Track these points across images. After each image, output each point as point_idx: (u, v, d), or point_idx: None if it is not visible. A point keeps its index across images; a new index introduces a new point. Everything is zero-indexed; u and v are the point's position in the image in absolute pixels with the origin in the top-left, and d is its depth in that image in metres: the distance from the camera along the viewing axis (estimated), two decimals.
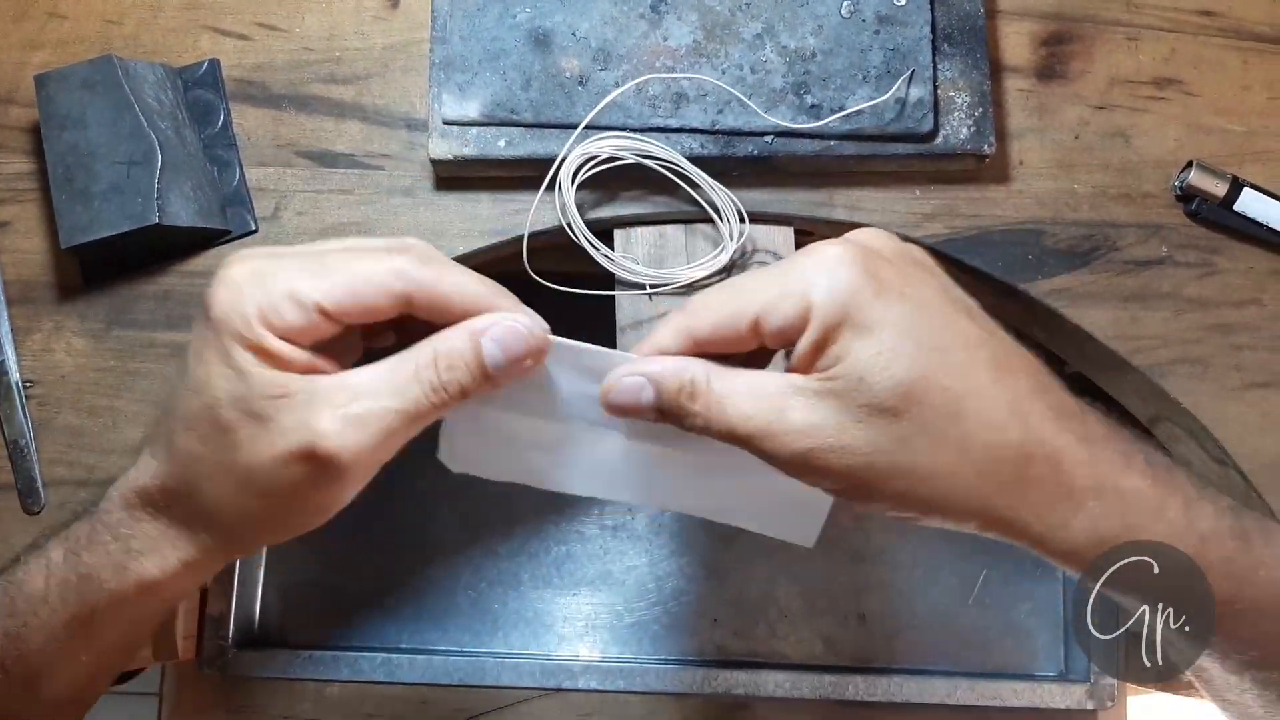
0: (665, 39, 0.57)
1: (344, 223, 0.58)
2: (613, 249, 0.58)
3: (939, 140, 0.56)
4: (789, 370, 0.40)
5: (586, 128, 0.55)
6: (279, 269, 0.40)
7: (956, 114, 0.57)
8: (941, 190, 0.58)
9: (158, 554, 0.43)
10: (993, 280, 0.58)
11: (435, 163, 0.57)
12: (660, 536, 0.87)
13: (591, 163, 0.56)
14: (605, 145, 0.55)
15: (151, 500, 0.43)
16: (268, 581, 0.86)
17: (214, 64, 0.60)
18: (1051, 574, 0.86)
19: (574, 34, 0.57)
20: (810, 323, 0.38)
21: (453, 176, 0.58)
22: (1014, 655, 0.86)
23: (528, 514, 0.87)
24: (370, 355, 0.42)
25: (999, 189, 0.59)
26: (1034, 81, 0.59)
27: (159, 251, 0.58)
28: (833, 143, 0.56)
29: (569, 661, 0.84)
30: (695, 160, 0.56)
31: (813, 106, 0.56)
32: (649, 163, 0.56)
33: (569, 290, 0.55)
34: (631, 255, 0.58)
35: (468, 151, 0.56)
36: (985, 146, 0.56)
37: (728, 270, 0.57)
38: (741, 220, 0.56)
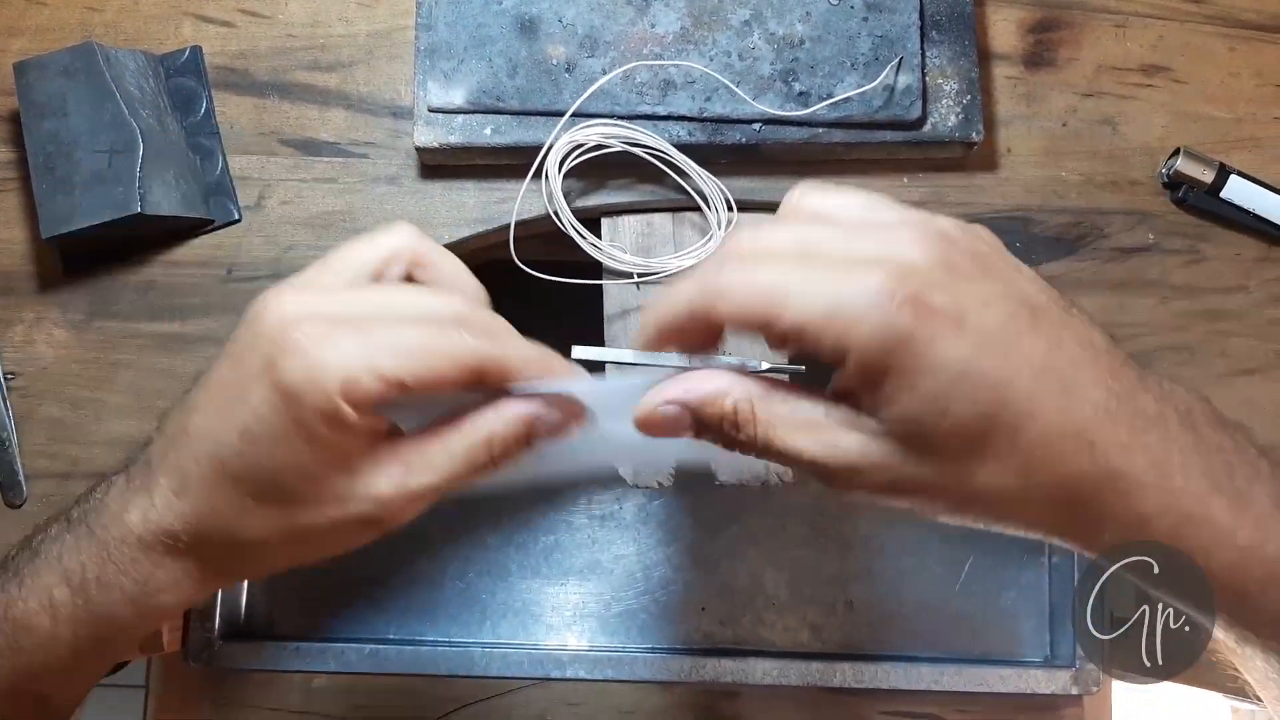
0: (653, 26, 0.56)
1: (328, 211, 0.58)
2: (600, 237, 0.58)
3: (927, 128, 0.56)
4: (835, 391, 0.38)
5: (573, 115, 0.55)
6: (352, 332, 0.39)
7: (945, 101, 0.56)
8: (930, 178, 0.58)
9: (177, 589, 0.42)
10: None
11: (420, 151, 0.56)
12: (648, 526, 0.87)
13: (578, 150, 0.55)
14: (592, 133, 0.55)
15: (176, 544, 0.42)
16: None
17: (196, 51, 0.59)
18: (1037, 561, 0.87)
19: (560, 21, 0.56)
20: (848, 363, 0.35)
21: (438, 165, 0.58)
22: (1000, 641, 0.86)
23: (516, 504, 0.87)
24: None
25: (987, 176, 0.58)
26: (1022, 69, 0.59)
27: (141, 241, 0.57)
28: (821, 130, 0.56)
29: (557, 651, 0.84)
30: (683, 148, 0.56)
31: (801, 94, 0.56)
32: (636, 150, 0.55)
33: (556, 279, 0.55)
34: (619, 244, 0.58)
35: (453, 139, 0.56)
36: (973, 134, 0.56)
37: None
38: (730, 208, 0.56)
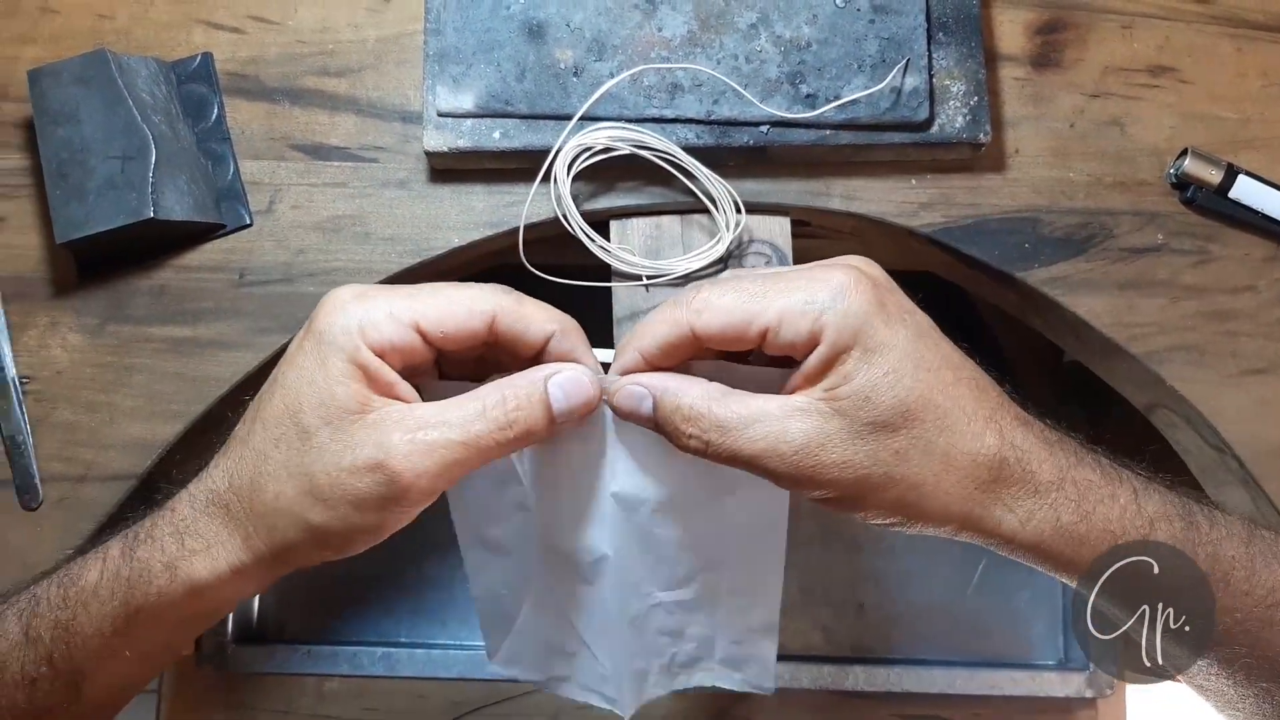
0: (660, 29, 0.57)
1: (339, 215, 0.58)
2: (609, 240, 0.58)
3: (935, 129, 0.56)
4: (791, 389, 0.43)
5: (581, 119, 0.55)
6: (381, 292, 0.44)
7: (952, 103, 0.57)
8: (937, 179, 0.58)
9: (209, 555, 0.43)
10: (989, 269, 0.58)
11: (430, 155, 0.57)
12: None
13: (587, 154, 0.56)
14: (600, 136, 0.55)
15: (216, 498, 0.44)
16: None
17: (207, 58, 0.59)
18: None
19: (568, 25, 0.57)
20: (822, 342, 0.41)
21: (447, 169, 0.58)
22: (1013, 644, 0.86)
23: None
24: None
25: (995, 177, 0.59)
26: (1029, 70, 0.59)
27: (154, 246, 0.58)
28: (828, 132, 0.56)
29: None
30: (691, 150, 0.56)
31: (808, 96, 0.56)
32: (644, 153, 0.56)
33: (565, 282, 0.55)
34: (627, 246, 0.58)
35: (462, 144, 0.56)
36: (981, 135, 0.56)
37: (724, 261, 0.57)
38: (738, 210, 0.56)
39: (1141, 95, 0.59)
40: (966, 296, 0.67)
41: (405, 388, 0.44)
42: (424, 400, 0.44)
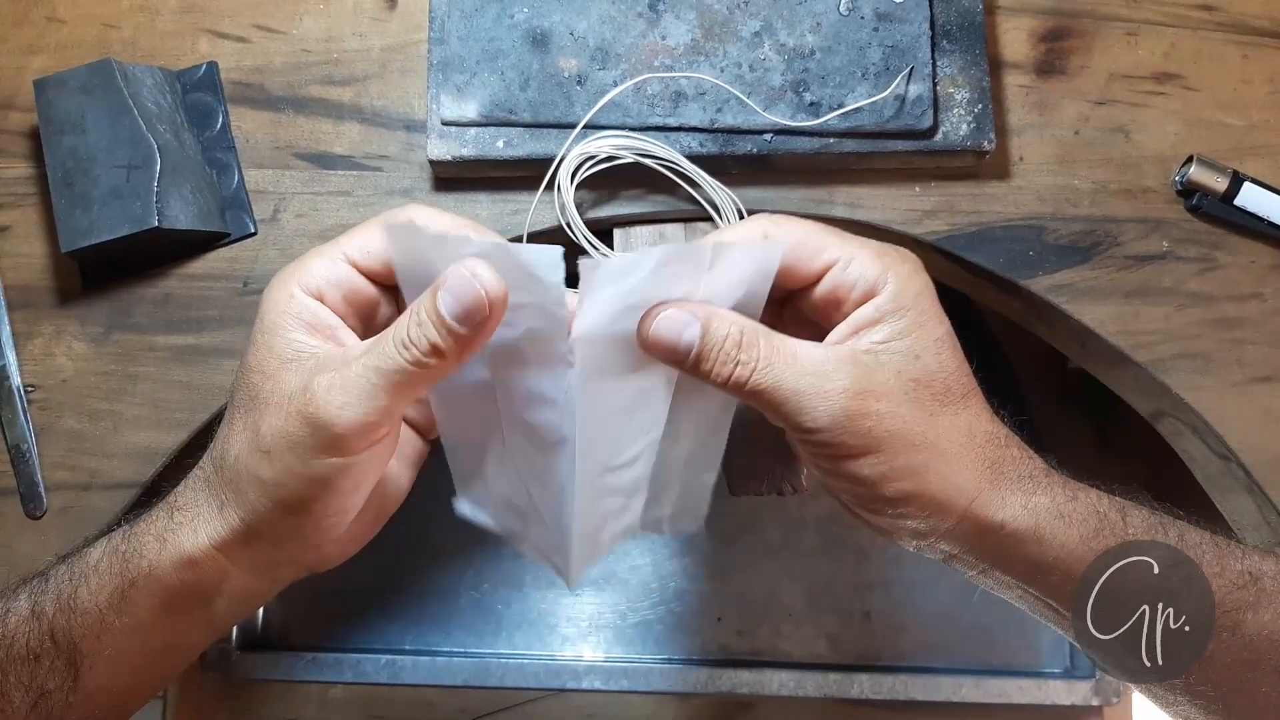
0: (663, 38, 0.57)
1: (343, 224, 0.58)
2: (612, 248, 0.58)
3: (939, 137, 0.56)
4: (837, 341, 0.44)
5: (585, 127, 0.55)
6: (313, 249, 0.45)
7: (956, 110, 0.56)
8: (942, 187, 0.58)
9: (192, 527, 0.44)
10: (994, 276, 0.58)
11: (434, 164, 0.57)
12: (664, 536, 0.87)
13: (590, 162, 0.56)
14: (604, 144, 0.55)
15: (202, 473, 0.45)
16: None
17: (212, 67, 0.60)
18: None
19: (572, 33, 0.57)
20: (882, 293, 0.43)
21: (451, 177, 0.58)
22: (1019, 652, 0.86)
23: None
24: None
25: (999, 185, 0.58)
26: (1033, 77, 0.59)
27: (158, 255, 0.58)
28: (832, 140, 0.56)
29: (573, 662, 0.84)
30: (694, 159, 0.56)
31: (812, 104, 0.56)
32: (648, 162, 0.56)
33: (569, 290, 0.55)
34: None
35: (466, 152, 0.56)
36: (985, 143, 0.56)
37: None
38: (741, 218, 0.56)
39: (1147, 102, 0.59)
40: (971, 304, 0.67)
41: (347, 333, 0.44)
42: None
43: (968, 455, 0.43)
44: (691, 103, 0.56)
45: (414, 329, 0.40)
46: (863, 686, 0.82)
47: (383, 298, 0.46)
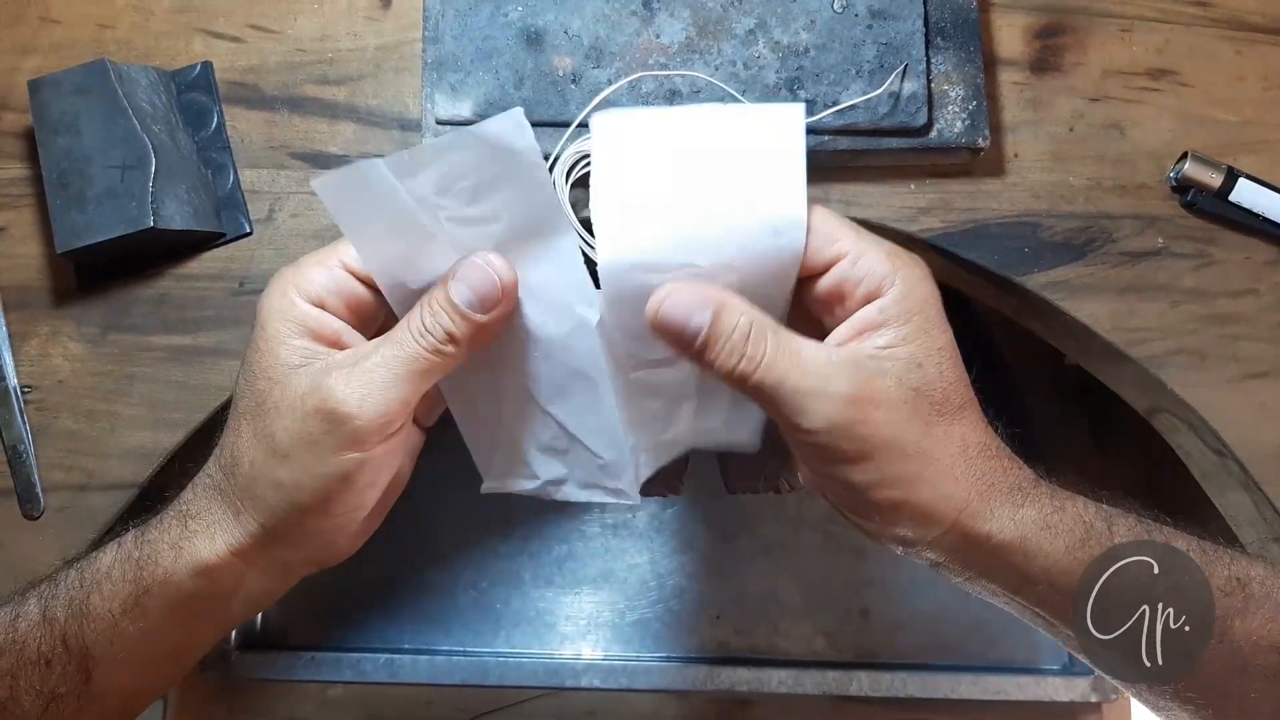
0: (658, 36, 0.57)
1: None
2: None
3: (933, 134, 0.56)
4: (840, 342, 0.44)
5: (580, 126, 0.55)
6: (308, 255, 0.46)
7: (950, 108, 0.56)
8: (936, 184, 0.58)
9: (209, 534, 0.45)
10: (989, 274, 0.58)
11: None
12: (661, 534, 0.87)
13: (585, 161, 0.56)
14: None
15: (212, 481, 0.46)
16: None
17: (207, 67, 0.60)
18: None
19: (566, 32, 0.57)
20: (887, 296, 0.43)
21: None
22: (1017, 649, 0.86)
23: (529, 513, 0.87)
24: None
25: (994, 182, 0.58)
26: (1028, 74, 0.59)
27: (154, 255, 0.58)
28: (827, 138, 0.56)
29: (571, 660, 0.84)
30: None
31: (806, 102, 0.56)
32: None
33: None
34: None
35: None
36: (980, 140, 0.56)
37: None
38: None
39: (1141, 99, 0.59)
40: (966, 301, 0.67)
41: (352, 335, 0.45)
42: None
43: (959, 466, 0.43)
44: (686, 101, 0.56)
45: (429, 318, 0.43)
46: (861, 684, 0.82)
47: (375, 299, 0.46)
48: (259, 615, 0.86)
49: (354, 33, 0.60)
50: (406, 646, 0.87)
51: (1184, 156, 0.57)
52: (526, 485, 0.53)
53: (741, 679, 0.82)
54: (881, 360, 0.42)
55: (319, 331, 0.44)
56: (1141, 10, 0.60)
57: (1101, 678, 0.82)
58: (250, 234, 0.58)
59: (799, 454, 0.46)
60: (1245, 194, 0.57)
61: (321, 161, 0.59)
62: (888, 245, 0.44)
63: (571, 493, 0.53)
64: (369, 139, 0.59)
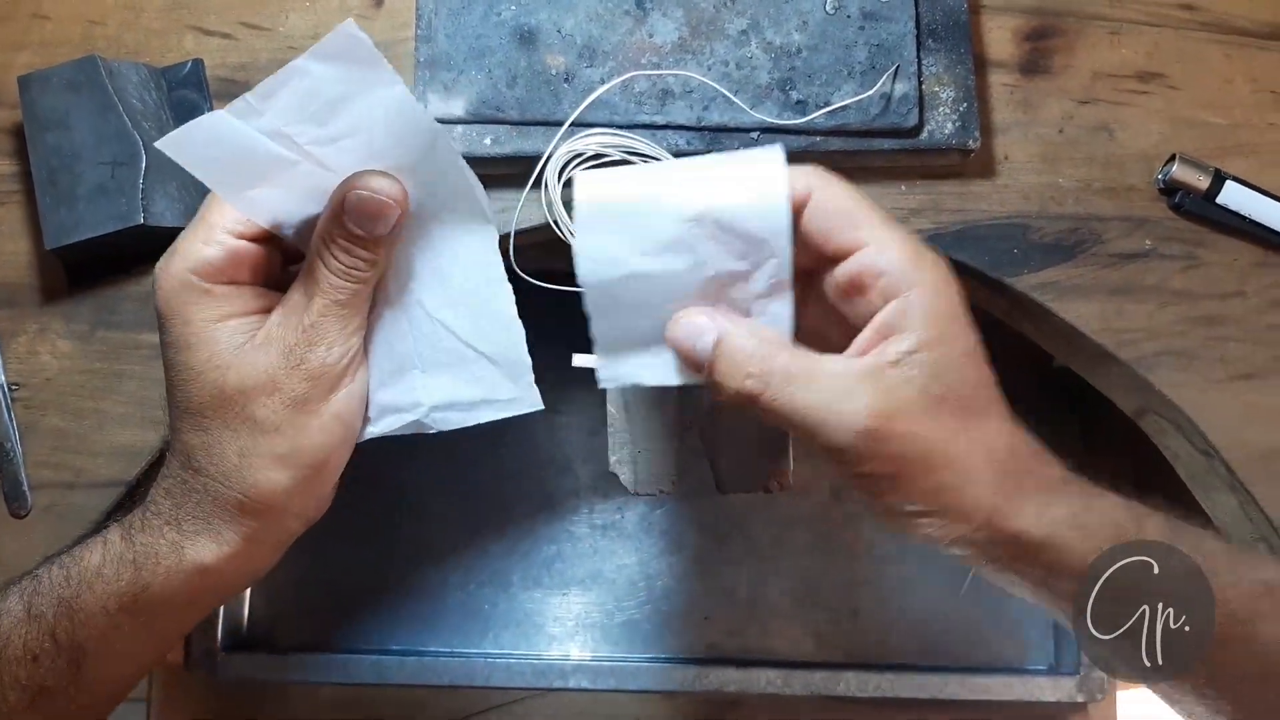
0: (650, 35, 0.57)
1: None
2: None
3: (924, 135, 0.57)
4: (858, 351, 0.42)
5: (572, 125, 0.55)
6: (188, 236, 0.45)
7: (941, 109, 0.57)
8: (927, 185, 0.59)
9: (210, 535, 0.45)
10: (979, 275, 0.58)
11: None
12: (650, 535, 0.87)
13: (577, 160, 0.56)
14: (591, 142, 0.55)
15: (188, 485, 0.45)
16: (256, 583, 0.85)
17: (198, 64, 0.59)
18: None
19: (559, 31, 0.57)
20: (909, 296, 0.41)
21: None
22: (1004, 649, 0.86)
23: (517, 514, 0.87)
24: None
25: (984, 183, 0.59)
26: (1018, 76, 0.59)
27: (144, 252, 0.58)
28: (818, 138, 0.56)
29: (560, 661, 0.84)
30: (681, 157, 0.56)
31: (798, 102, 0.56)
32: (635, 159, 0.56)
33: (556, 288, 0.55)
34: None
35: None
36: (970, 141, 0.56)
37: None
38: None
39: (1130, 101, 0.59)
40: None
41: (266, 294, 0.46)
42: None
43: (987, 471, 0.42)
44: (678, 100, 0.56)
45: (342, 256, 0.44)
46: (850, 684, 0.82)
47: (267, 249, 0.47)
48: (246, 616, 0.86)
49: None
50: (395, 647, 0.86)
51: (1172, 159, 0.58)
52: (408, 417, 0.49)
53: (730, 679, 0.82)
54: (904, 367, 0.41)
55: (244, 307, 0.45)
56: (1131, 13, 0.60)
57: (1088, 677, 0.82)
58: None
59: (823, 461, 0.45)
60: (1233, 196, 0.57)
61: None
62: (913, 241, 0.42)
63: (454, 419, 0.50)
64: None
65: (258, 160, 0.43)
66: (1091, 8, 0.60)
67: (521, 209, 0.57)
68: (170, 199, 0.56)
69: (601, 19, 0.57)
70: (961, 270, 0.59)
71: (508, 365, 0.49)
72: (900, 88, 0.56)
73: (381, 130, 0.44)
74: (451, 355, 0.49)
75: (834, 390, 0.41)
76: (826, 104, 0.56)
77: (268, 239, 0.46)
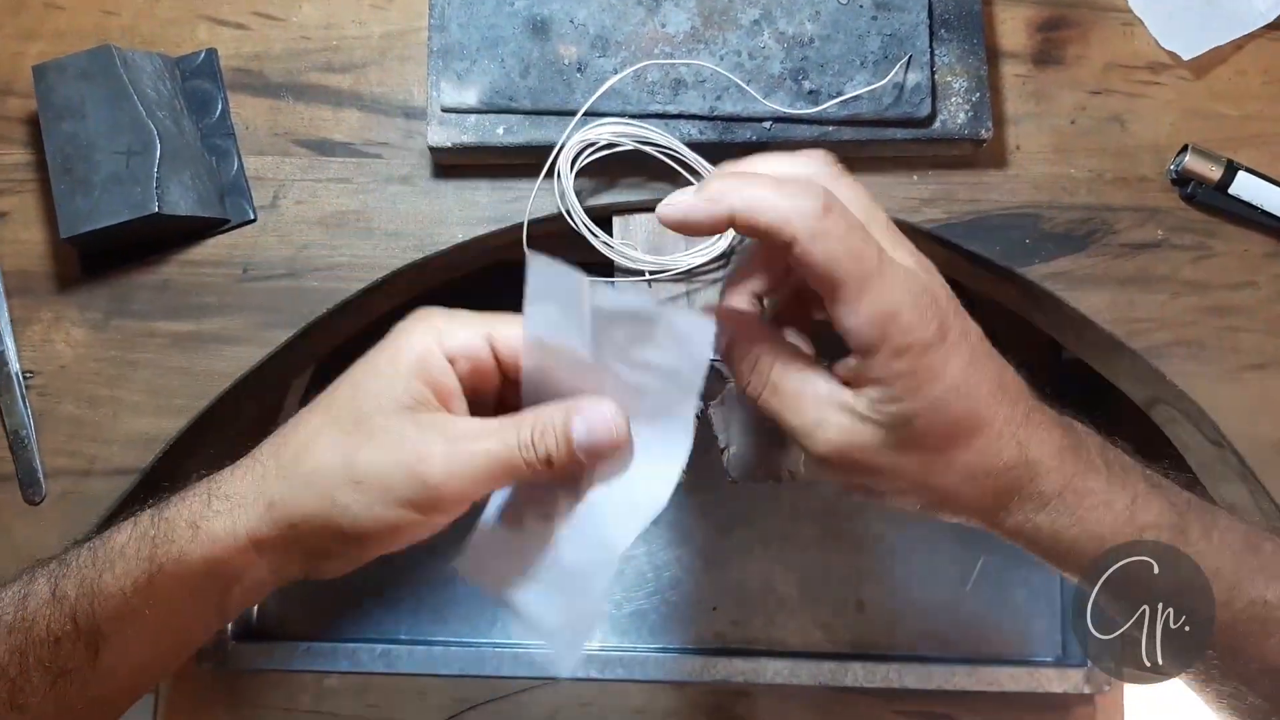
0: (663, 25, 0.57)
1: (342, 211, 0.58)
2: (612, 235, 0.58)
3: (936, 125, 0.57)
4: (847, 378, 0.42)
5: (585, 114, 0.55)
6: (465, 312, 0.46)
7: (954, 99, 0.57)
8: (939, 175, 0.59)
9: (230, 516, 0.44)
10: (990, 264, 0.59)
11: (434, 150, 0.57)
12: (658, 526, 0.88)
13: (590, 149, 0.56)
14: (604, 132, 0.56)
15: (255, 463, 0.45)
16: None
17: (211, 53, 0.59)
18: None
19: (572, 21, 0.57)
20: (874, 352, 0.40)
21: (451, 164, 0.58)
22: (1011, 641, 0.86)
23: None
24: None
25: (996, 173, 0.59)
26: (1030, 67, 0.60)
27: (158, 241, 0.58)
28: (831, 128, 0.57)
29: None
30: (694, 146, 0.56)
31: (811, 92, 0.56)
32: (647, 149, 0.56)
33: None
34: (630, 242, 0.58)
35: (466, 139, 0.56)
36: (982, 131, 0.57)
37: (726, 256, 0.58)
38: None
39: (1142, 92, 0.59)
40: (963, 292, 0.68)
41: (461, 403, 0.45)
42: None
43: (970, 492, 0.43)
44: (691, 90, 0.56)
45: (539, 436, 0.43)
46: (856, 675, 0.83)
47: (500, 384, 0.46)
48: (255, 606, 0.86)
49: (359, 20, 0.60)
50: (403, 637, 0.87)
51: (1184, 149, 0.58)
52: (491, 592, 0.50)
53: (737, 670, 0.83)
54: (875, 415, 0.41)
55: (439, 385, 0.44)
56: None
57: (1095, 669, 0.82)
58: (254, 220, 0.58)
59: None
60: (1244, 187, 0.57)
61: (326, 149, 0.59)
62: (889, 293, 0.40)
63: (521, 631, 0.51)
64: (373, 127, 0.59)
65: (570, 327, 0.44)
66: None
67: (534, 199, 0.57)
68: (184, 188, 0.56)
69: (614, 9, 0.57)
70: (973, 260, 0.59)
71: (579, 623, 0.47)
72: (913, 78, 0.56)
73: (656, 394, 0.44)
74: (552, 572, 0.48)
75: (813, 415, 0.42)
76: (839, 94, 0.56)
77: (503, 375, 0.46)
